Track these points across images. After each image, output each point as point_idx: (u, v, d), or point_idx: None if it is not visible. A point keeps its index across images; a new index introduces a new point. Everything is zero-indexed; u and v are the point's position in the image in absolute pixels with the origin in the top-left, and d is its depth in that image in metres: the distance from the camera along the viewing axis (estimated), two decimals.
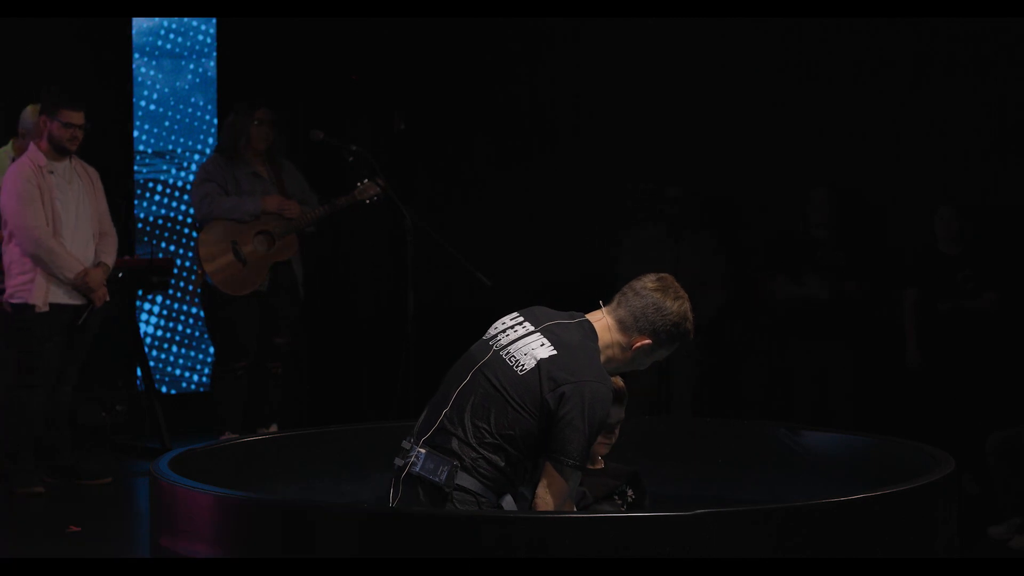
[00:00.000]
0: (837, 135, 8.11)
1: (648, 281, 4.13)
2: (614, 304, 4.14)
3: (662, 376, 7.96)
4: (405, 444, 4.03)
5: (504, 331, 4.11)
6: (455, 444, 3.94)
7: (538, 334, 4.05)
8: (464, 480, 3.90)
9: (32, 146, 7.26)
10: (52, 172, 7.22)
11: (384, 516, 3.77)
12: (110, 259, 7.40)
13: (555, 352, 3.98)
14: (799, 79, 8.24)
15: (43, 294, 7.17)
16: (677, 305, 4.10)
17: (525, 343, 4.03)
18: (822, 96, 8.15)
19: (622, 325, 4.10)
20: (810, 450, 4.87)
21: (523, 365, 3.98)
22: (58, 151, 7.24)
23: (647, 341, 4.09)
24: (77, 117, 7.24)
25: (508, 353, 4.02)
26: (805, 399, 7.99)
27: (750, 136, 8.31)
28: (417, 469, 3.94)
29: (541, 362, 3.96)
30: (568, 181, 8.73)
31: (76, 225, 7.29)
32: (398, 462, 4.02)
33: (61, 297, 7.22)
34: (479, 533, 3.57)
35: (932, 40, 7.78)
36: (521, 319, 4.13)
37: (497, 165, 8.94)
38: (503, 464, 3.93)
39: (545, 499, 3.91)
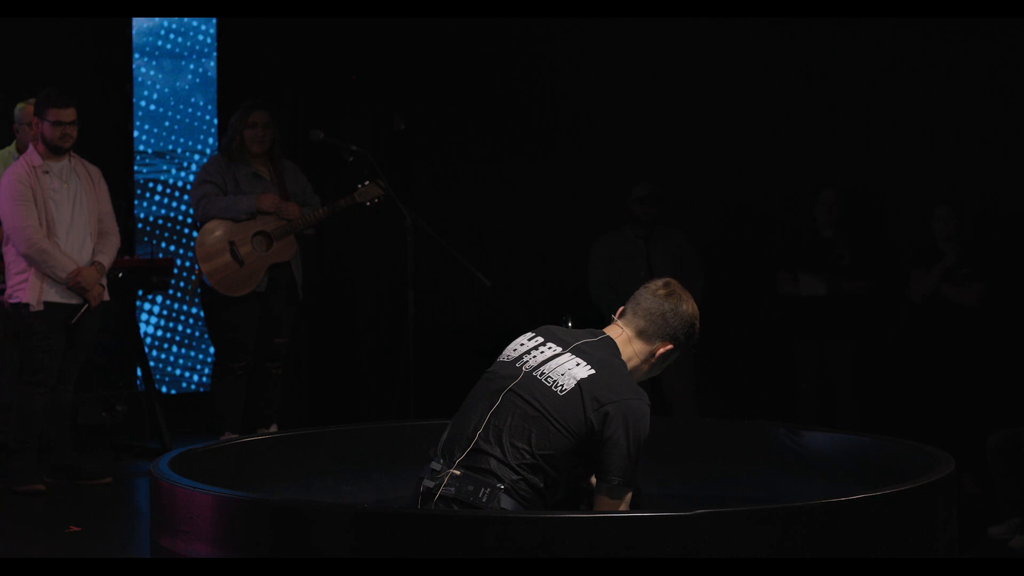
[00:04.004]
0: (842, 135, 8.11)
1: (658, 288, 4.18)
2: (629, 316, 4.17)
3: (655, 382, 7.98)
4: (435, 465, 3.99)
5: (529, 352, 4.11)
6: (493, 465, 3.92)
7: (570, 354, 4.07)
8: (504, 502, 3.88)
9: (30, 147, 7.28)
10: (47, 172, 7.22)
11: (384, 516, 3.76)
12: (106, 259, 7.37)
13: (594, 372, 4.00)
14: (802, 79, 8.24)
15: (36, 293, 7.16)
16: (690, 306, 4.18)
17: (559, 363, 4.04)
18: (825, 96, 8.15)
19: (643, 335, 4.15)
20: (810, 450, 4.87)
21: (562, 386, 3.99)
22: (53, 151, 7.24)
23: (669, 346, 4.16)
24: (66, 115, 7.22)
25: (543, 374, 4.03)
26: (806, 399, 8.00)
27: (755, 136, 8.31)
28: (453, 492, 3.90)
29: (582, 382, 3.98)
30: (569, 181, 8.73)
31: (71, 225, 7.27)
32: (428, 484, 3.96)
33: (56, 296, 7.20)
34: (480, 533, 3.57)
35: (934, 40, 7.78)
36: (542, 339, 4.14)
37: (497, 165, 8.94)
38: (541, 485, 3.94)
39: None
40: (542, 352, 4.09)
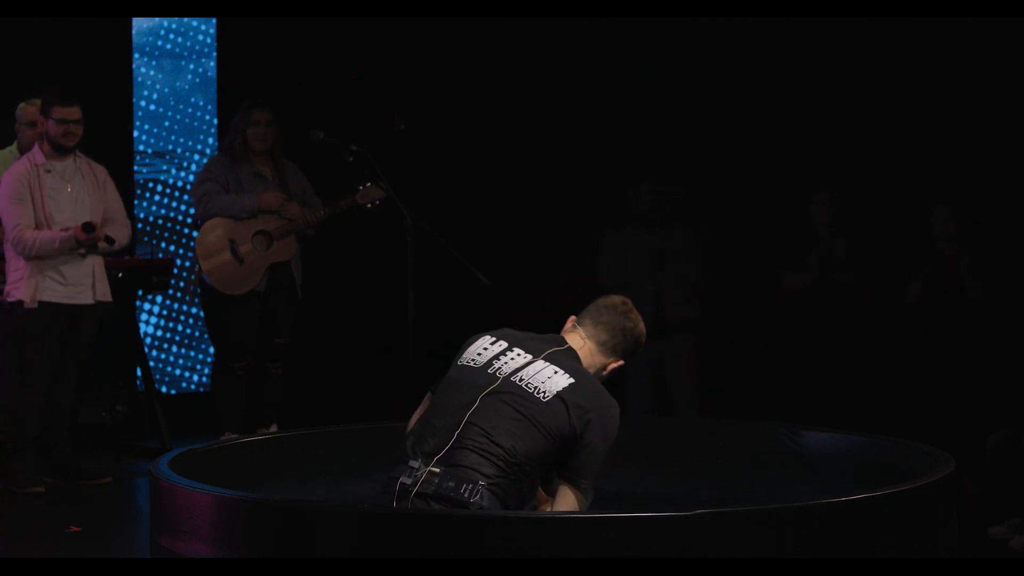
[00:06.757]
0: (841, 135, 8.10)
1: (618, 302, 4.29)
2: (589, 327, 4.26)
3: (657, 381, 7.98)
4: (412, 463, 4.01)
5: (496, 356, 4.16)
6: (473, 461, 3.95)
7: (544, 362, 4.13)
8: (487, 498, 3.91)
9: (36, 146, 7.28)
10: (50, 171, 7.21)
11: (384, 516, 3.76)
12: (114, 232, 7.33)
13: (573, 381, 4.08)
14: (802, 79, 8.24)
15: (31, 291, 7.15)
16: (642, 327, 4.31)
17: (536, 370, 4.11)
18: (825, 97, 8.15)
19: (604, 348, 4.26)
20: (810, 450, 4.87)
21: (545, 392, 4.05)
22: (57, 149, 7.24)
23: (620, 363, 4.28)
24: (71, 113, 7.21)
25: (521, 380, 4.08)
26: (806, 399, 7.99)
27: (754, 136, 8.31)
28: (432, 488, 3.92)
29: (563, 391, 4.06)
30: (569, 181, 8.73)
31: (71, 224, 7.25)
32: (404, 480, 3.98)
33: (53, 296, 7.19)
34: (480, 533, 3.57)
35: (934, 40, 7.78)
36: (506, 344, 4.19)
37: (498, 165, 8.93)
38: (518, 484, 3.99)
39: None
40: (512, 359, 4.15)
